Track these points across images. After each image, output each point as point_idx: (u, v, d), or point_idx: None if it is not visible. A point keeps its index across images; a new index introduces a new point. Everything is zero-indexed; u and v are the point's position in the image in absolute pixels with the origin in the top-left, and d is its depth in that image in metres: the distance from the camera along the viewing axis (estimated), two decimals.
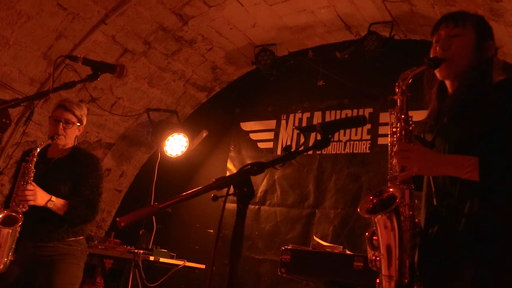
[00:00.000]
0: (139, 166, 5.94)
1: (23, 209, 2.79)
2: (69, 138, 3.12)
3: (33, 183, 2.85)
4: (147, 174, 5.65)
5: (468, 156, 1.63)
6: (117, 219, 1.33)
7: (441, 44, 1.85)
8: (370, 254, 1.73)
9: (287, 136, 5.10)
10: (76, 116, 3.11)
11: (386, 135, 4.37)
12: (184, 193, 1.47)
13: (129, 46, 4.82)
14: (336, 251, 3.26)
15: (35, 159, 2.91)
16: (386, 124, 4.40)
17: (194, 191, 1.48)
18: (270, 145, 5.21)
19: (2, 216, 2.75)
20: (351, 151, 4.69)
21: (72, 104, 3.15)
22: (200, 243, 5.22)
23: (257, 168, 1.55)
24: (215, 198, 1.53)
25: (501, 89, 1.73)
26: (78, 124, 3.14)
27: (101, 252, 4.62)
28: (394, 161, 1.77)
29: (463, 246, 1.63)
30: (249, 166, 1.53)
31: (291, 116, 5.16)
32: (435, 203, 1.75)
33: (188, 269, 4.66)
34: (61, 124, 3.06)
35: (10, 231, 2.73)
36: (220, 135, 5.59)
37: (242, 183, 1.50)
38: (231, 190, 1.52)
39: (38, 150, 2.94)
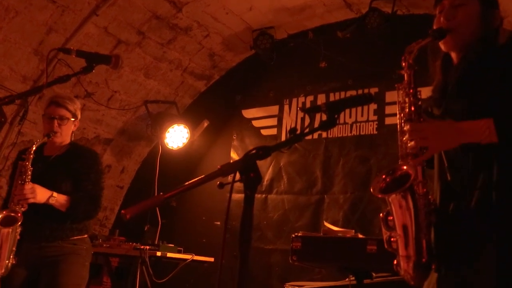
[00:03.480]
0: (140, 160, 5.95)
1: (22, 208, 2.79)
2: (65, 134, 3.12)
3: (31, 182, 2.84)
4: (148, 168, 5.67)
5: (482, 119, 1.62)
6: (122, 211, 1.34)
7: (445, 14, 1.84)
8: (385, 235, 1.73)
9: (291, 121, 5.10)
10: (69, 111, 3.10)
11: (393, 115, 4.38)
12: (189, 182, 1.47)
13: (122, 37, 4.81)
14: (348, 235, 3.28)
15: (31, 157, 2.91)
16: (393, 103, 4.39)
17: (199, 179, 1.48)
18: (273, 131, 5.20)
19: (1, 216, 2.76)
20: (358, 133, 4.69)
21: (64, 99, 3.13)
22: (208, 236, 5.25)
23: (263, 152, 1.54)
24: (221, 185, 1.53)
25: (507, 50, 1.73)
26: (73, 119, 3.13)
27: (106, 251, 4.64)
28: (405, 137, 1.76)
29: (479, 224, 1.63)
30: (254, 151, 1.53)
31: (294, 100, 5.15)
32: (448, 178, 1.75)
33: (197, 263, 4.69)
34: (55, 121, 3.05)
35: (10, 231, 2.73)
36: (221, 124, 5.59)
37: (248, 169, 1.50)
38: (237, 176, 1.52)
39: (34, 147, 2.93)
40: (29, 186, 2.82)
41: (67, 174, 3.01)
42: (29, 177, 2.86)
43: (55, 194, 2.88)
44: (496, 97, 1.67)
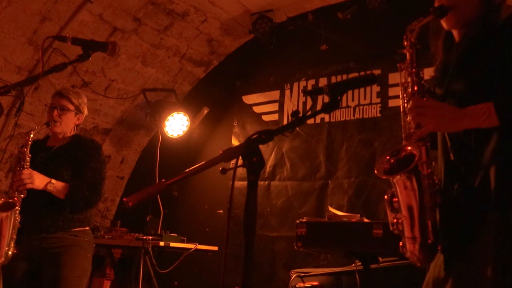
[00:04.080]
0: (140, 150, 5.96)
1: (22, 195, 2.84)
2: (66, 125, 3.14)
3: (29, 168, 2.89)
4: (149, 158, 5.68)
5: (481, 104, 1.62)
6: (124, 199, 1.35)
7: None
8: (391, 217, 1.74)
9: (293, 106, 5.10)
10: (72, 103, 3.14)
11: (397, 97, 4.35)
12: (191, 168, 1.48)
13: (118, 24, 4.79)
14: (353, 220, 3.29)
15: (30, 143, 2.96)
16: (396, 85, 4.38)
17: (202, 164, 1.49)
18: (275, 117, 5.20)
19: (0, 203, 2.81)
20: (361, 117, 4.68)
21: (69, 91, 3.20)
22: (211, 225, 5.27)
23: (265, 136, 1.54)
24: (223, 170, 1.53)
25: (508, 27, 1.72)
26: (76, 112, 3.16)
27: (108, 242, 4.67)
28: (409, 118, 1.77)
29: (483, 203, 1.64)
30: (256, 135, 1.53)
31: (295, 84, 5.14)
32: (452, 158, 1.75)
33: (200, 252, 4.71)
34: (55, 110, 3.09)
35: (9, 214, 2.77)
36: (222, 111, 5.59)
37: (251, 153, 1.50)
38: (240, 161, 1.52)
39: (32, 134, 2.99)
40: (27, 171, 2.87)
41: (69, 162, 3.05)
42: (28, 163, 2.91)
43: (53, 180, 2.91)
44: (497, 77, 1.67)
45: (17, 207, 2.80)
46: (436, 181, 1.74)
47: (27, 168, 2.89)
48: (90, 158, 3.06)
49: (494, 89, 1.66)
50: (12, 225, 2.79)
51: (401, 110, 1.83)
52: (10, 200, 2.82)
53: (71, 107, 3.14)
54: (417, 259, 1.71)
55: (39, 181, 2.87)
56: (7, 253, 2.79)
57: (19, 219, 2.84)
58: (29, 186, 2.85)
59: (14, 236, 2.82)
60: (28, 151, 2.94)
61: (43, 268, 2.94)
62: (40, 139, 3.26)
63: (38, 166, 2.96)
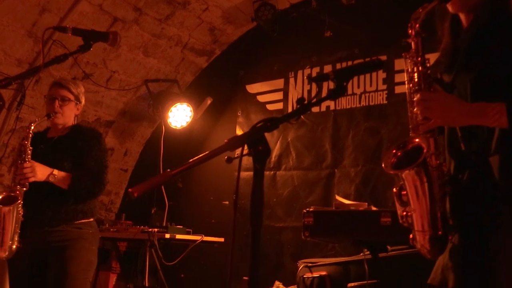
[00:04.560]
0: (143, 142, 5.97)
1: (24, 188, 2.85)
2: (67, 116, 3.15)
3: (31, 161, 2.90)
4: (152, 149, 5.69)
5: (494, 103, 1.60)
6: (129, 190, 1.35)
7: None
8: (400, 210, 1.74)
9: (297, 94, 5.09)
10: (72, 93, 3.14)
11: (403, 83, 4.30)
12: (197, 157, 1.48)
13: (118, 14, 4.78)
14: (361, 208, 3.29)
15: (30, 136, 2.96)
16: (402, 71, 4.35)
17: (207, 154, 1.49)
18: (279, 106, 5.19)
19: (1, 197, 2.83)
20: (367, 104, 4.67)
21: (68, 81, 3.20)
22: (216, 216, 5.28)
23: (271, 124, 1.54)
24: (229, 159, 1.53)
25: None
26: (76, 102, 3.17)
27: (113, 235, 4.70)
28: (416, 109, 1.75)
29: (497, 193, 1.63)
30: (262, 123, 1.53)
31: (300, 72, 5.13)
32: (462, 148, 1.74)
33: (207, 243, 4.73)
34: (56, 101, 3.09)
35: (11, 208, 2.78)
36: (225, 100, 5.59)
37: (256, 141, 1.50)
38: (246, 150, 1.52)
39: (33, 126, 2.99)
40: (28, 164, 2.87)
41: (70, 153, 3.05)
42: (29, 156, 2.91)
43: (55, 171, 2.92)
44: (508, 67, 1.65)
45: (19, 201, 2.81)
46: (445, 171, 1.73)
47: (28, 160, 2.89)
48: (91, 147, 3.07)
49: (502, 85, 1.64)
50: (15, 219, 2.81)
51: (408, 100, 1.82)
52: (12, 194, 2.83)
53: (71, 97, 3.14)
54: (427, 252, 1.71)
55: (41, 173, 2.88)
56: (11, 247, 2.81)
57: (22, 213, 2.85)
58: (31, 179, 2.85)
59: (18, 230, 2.84)
60: (29, 143, 2.94)
61: (48, 262, 2.95)
62: (40, 131, 3.26)
63: (39, 157, 2.96)
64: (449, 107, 1.68)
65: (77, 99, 3.18)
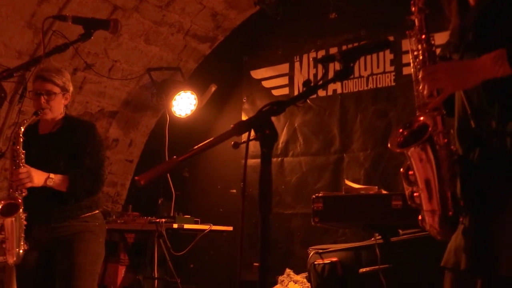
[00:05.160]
0: (148, 132, 5.98)
1: (22, 194, 2.81)
2: (56, 110, 3.05)
3: (25, 165, 2.84)
4: (157, 139, 5.70)
5: (493, 52, 1.59)
6: (136, 177, 1.36)
7: None
8: (407, 190, 1.74)
9: (303, 78, 5.07)
10: (57, 85, 3.02)
11: (410, 64, 4.29)
12: (203, 143, 1.48)
13: (118, 2, 4.77)
14: (371, 192, 3.29)
15: (21, 139, 2.88)
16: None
17: (213, 139, 1.49)
18: (285, 91, 5.18)
19: (1, 206, 2.78)
20: (374, 86, 4.65)
21: (50, 72, 3.04)
22: (224, 205, 5.30)
23: (277, 107, 1.54)
24: (235, 145, 1.53)
25: None
26: (63, 92, 3.06)
27: (121, 227, 4.73)
28: (421, 87, 1.74)
29: (509, 172, 1.62)
30: (268, 106, 1.53)
31: (305, 56, 5.11)
32: (473, 125, 1.73)
33: (215, 233, 4.76)
34: (42, 97, 2.98)
35: (14, 220, 2.77)
36: (230, 87, 5.58)
37: (263, 125, 1.50)
38: (252, 134, 1.52)
39: (22, 129, 2.90)
40: (23, 170, 2.81)
41: (63, 151, 2.99)
42: (23, 160, 2.84)
43: (52, 175, 2.87)
44: None
45: (21, 209, 2.79)
46: (454, 150, 1.73)
47: (23, 166, 2.82)
48: (86, 143, 3.00)
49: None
50: (19, 226, 2.80)
51: (413, 79, 1.81)
52: (12, 201, 2.80)
53: (57, 89, 3.02)
54: (437, 233, 1.70)
55: (37, 178, 2.83)
56: (18, 252, 2.82)
57: (24, 217, 2.84)
58: (28, 185, 2.81)
59: (23, 235, 2.83)
60: (21, 148, 2.85)
61: (56, 256, 2.96)
62: (31, 124, 3.12)
63: (33, 160, 2.89)
64: (454, 71, 1.67)
65: (64, 89, 3.06)
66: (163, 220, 4.41)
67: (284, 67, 5.23)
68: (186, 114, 5.44)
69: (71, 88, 3.13)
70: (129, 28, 5.01)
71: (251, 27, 5.53)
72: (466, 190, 1.71)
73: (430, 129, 1.64)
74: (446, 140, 1.71)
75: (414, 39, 1.80)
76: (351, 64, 1.65)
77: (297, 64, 5.15)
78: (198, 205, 5.38)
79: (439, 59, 1.79)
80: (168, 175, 5.23)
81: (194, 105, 5.42)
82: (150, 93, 5.59)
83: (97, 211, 3.08)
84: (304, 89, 1.64)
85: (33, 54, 4.70)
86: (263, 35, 5.43)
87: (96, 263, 3.04)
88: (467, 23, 1.79)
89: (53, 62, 4.76)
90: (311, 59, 5.05)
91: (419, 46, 1.78)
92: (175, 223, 4.42)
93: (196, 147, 1.48)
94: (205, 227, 4.62)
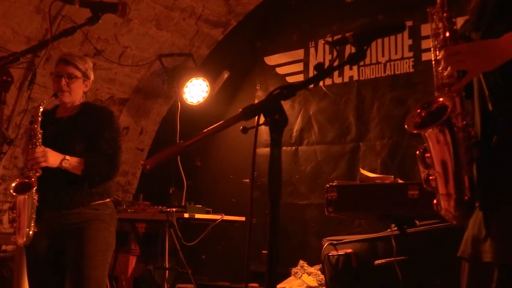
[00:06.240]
0: (159, 120, 6.01)
1: (37, 174, 2.86)
2: (75, 94, 3.13)
3: (41, 145, 2.89)
4: (168, 127, 5.72)
5: None
6: (142, 162, 1.37)
7: None
8: (423, 173, 1.73)
9: None
10: (79, 69, 3.11)
11: (430, 50, 4.24)
12: (210, 127, 1.48)
13: None
14: (387, 181, 3.27)
15: (39, 119, 2.95)
16: (429, 37, 4.29)
17: (221, 123, 1.50)
18: (300, 77, 5.16)
19: (15, 184, 2.84)
20: (392, 73, 4.62)
21: (74, 57, 3.15)
22: (236, 195, 5.32)
23: (288, 91, 1.54)
24: (244, 129, 1.53)
25: None
26: (84, 78, 3.14)
27: (131, 216, 4.76)
28: (441, 67, 1.73)
29: None
30: (278, 90, 1.53)
31: (320, 42, 5.08)
32: (490, 108, 1.72)
33: (227, 223, 4.77)
34: (63, 79, 3.06)
35: (26, 197, 2.82)
36: (243, 74, 5.58)
37: (272, 110, 1.50)
38: (262, 119, 1.52)
39: (41, 108, 2.98)
40: (40, 149, 2.87)
41: (80, 135, 3.05)
42: (40, 140, 2.90)
43: (67, 157, 2.92)
44: None
45: (34, 188, 2.84)
46: (472, 134, 1.72)
47: (39, 145, 2.89)
48: (103, 128, 3.06)
49: None
50: (30, 205, 2.85)
51: (433, 59, 1.80)
52: (26, 180, 2.85)
53: (79, 74, 3.10)
54: (452, 217, 1.70)
55: (53, 158, 2.88)
56: (28, 233, 2.86)
57: (36, 198, 2.89)
58: (43, 164, 2.86)
59: (34, 215, 2.87)
60: (38, 127, 2.93)
61: (66, 244, 3.00)
62: (48, 109, 3.22)
63: (49, 141, 2.95)
64: (478, 51, 1.65)
65: (85, 75, 3.15)
66: (174, 209, 4.43)
67: (299, 53, 5.21)
68: (198, 102, 5.45)
69: (92, 77, 3.21)
70: (139, 13, 5.03)
71: (264, 12, 5.52)
72: (482, 175, 1.70)
73: (449, 110, 1.63)
74: (464, 123, 1.70)
75: (435, 16, 1.78)
76: (365, 47, 1.64)
77: (312, 50, 5.12)
78: (210, 195, 5.41)
79: (461, 38, 1.77)
80: (180, 164, 5.26)
81: (206, 92, 5.43)
82: (161, 80, 5.60)
83: (108, 200, 3.12)
84: (315, 72, 1.63)
85: (42, 40, 4.73)
86: (277, 20, 5.42)
87: (106, 252, 3.07)
88: (488, 1, 1.77)
89: (63, 48, 4.80)
90: (326, 44, 5.03)
91: (440, 25, 1.76)
92: (186, 212, 4.44)
93: (203, 131, 1.49)
94: (217, 217, 4.63)
